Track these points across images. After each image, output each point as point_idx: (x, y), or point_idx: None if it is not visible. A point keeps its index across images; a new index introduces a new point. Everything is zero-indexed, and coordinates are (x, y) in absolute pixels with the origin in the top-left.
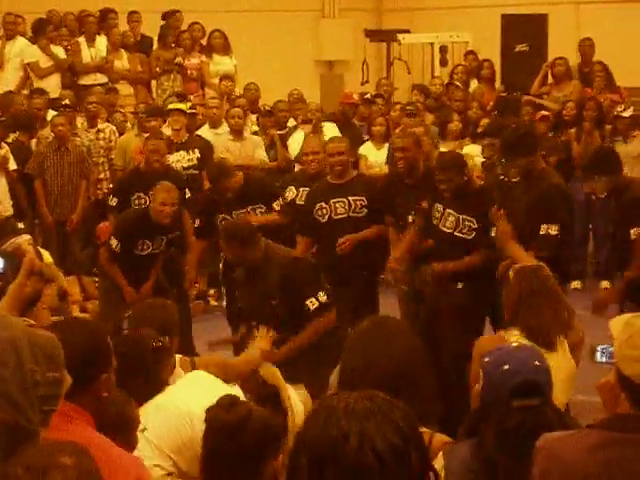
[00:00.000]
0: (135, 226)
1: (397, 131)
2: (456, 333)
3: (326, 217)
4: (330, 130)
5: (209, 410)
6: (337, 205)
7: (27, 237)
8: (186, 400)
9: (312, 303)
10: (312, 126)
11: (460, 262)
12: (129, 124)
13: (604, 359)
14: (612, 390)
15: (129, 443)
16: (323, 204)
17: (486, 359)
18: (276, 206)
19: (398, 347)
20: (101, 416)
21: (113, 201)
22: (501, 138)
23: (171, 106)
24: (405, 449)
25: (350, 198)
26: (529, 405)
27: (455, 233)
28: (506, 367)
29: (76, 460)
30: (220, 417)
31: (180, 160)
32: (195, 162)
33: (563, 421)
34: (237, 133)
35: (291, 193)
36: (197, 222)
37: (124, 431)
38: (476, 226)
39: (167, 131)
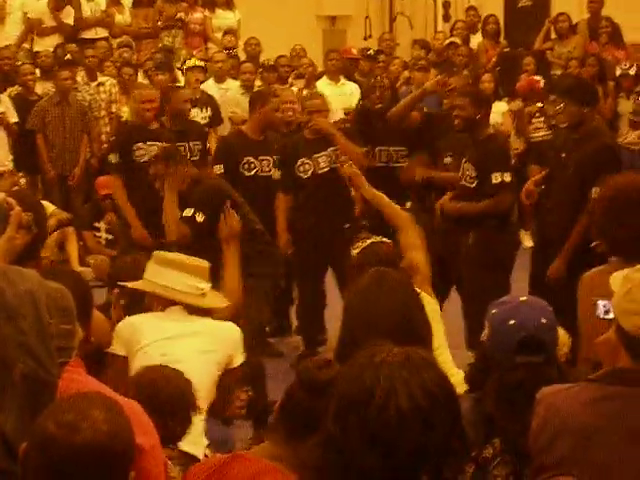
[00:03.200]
0: (126, 133)
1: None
2: (473, 289)
3: (309, 172)
4: (324, 86)
5: (301, 364)
6: (320, 160)
7: (2, 194)
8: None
9: None
10: (305, 81)
11: (467, 205)
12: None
13: (605, 315)
14: (612, 345)
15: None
16: (305, 159)
17: (493, 311)
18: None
19: (397, 301)
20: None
21: (114, 158)
22: (560, 78)
23: (190, 63)
24: (429, 412)
25: (331, 150)
26: (532, 362)
27: (462, 182)
28: (512, 322)
29: (107, 413)
30: (311, 374)
31: (195, 117)
32: (208, 120)
33: (566, 379)
34: (248, 88)
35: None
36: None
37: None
38: (475, 174)
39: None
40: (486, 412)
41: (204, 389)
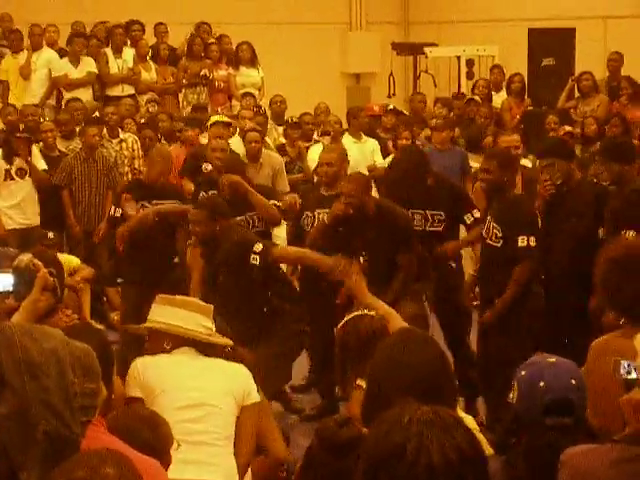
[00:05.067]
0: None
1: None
2: (501, 346)
3: (309, 227)
4: (349, 144)
5: (323, 423)
6: (322, 217)
7: (30, 255)
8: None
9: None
10: (331, 138)
11: (503, 300)
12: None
13: (628, 375)
14: (636, 405)
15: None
16: (309, 213)
17: (522, 373)
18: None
19: (422, 358)
20: (134, 439)
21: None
22: (601, 141)
23: (213, 119)
24: (461, 468)
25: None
26: (562, 424)
27: (487, 241)
28: (541, 384)
29: (119, 470)
30: (331, 433)
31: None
32: None
33: (595, 440)
34: (253, 158)
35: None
36: None
37: (159, 453)
38: (501, 235)
39: (204, 141)
40: (516, 474)
41: (229, 428)
